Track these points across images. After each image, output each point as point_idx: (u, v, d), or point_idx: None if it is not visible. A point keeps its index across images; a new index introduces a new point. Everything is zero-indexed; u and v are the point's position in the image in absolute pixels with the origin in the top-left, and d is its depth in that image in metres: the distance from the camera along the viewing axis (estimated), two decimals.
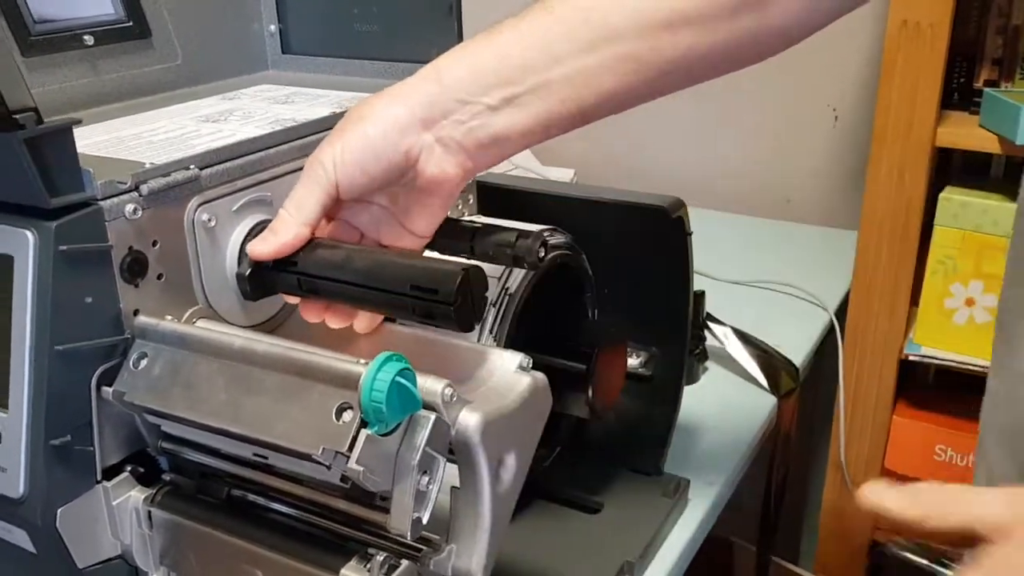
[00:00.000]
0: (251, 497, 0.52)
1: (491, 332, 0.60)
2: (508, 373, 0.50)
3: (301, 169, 0.57)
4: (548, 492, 0.71)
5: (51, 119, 0.44)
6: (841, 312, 1.06)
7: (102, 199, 0.47)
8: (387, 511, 0.45)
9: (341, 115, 0.61)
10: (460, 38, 0.70)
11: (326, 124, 0.60)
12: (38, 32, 0.64)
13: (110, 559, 0.52)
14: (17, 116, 0.42)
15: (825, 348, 1.04)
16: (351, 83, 0.74)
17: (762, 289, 1.12)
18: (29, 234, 0.45)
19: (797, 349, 0.97)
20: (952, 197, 0.98)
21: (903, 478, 1.06)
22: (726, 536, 1.28)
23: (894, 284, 1.01)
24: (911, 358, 1.03)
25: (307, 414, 0.43)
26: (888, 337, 1.03)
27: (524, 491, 0.49)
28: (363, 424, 0.42)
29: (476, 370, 0.50)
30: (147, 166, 0.49)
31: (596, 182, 1.12)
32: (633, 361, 0.72)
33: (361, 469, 0.41)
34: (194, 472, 0.53)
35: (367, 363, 0.42)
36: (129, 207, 0.48)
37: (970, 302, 1.00)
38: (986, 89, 0.97)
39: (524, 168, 1.37)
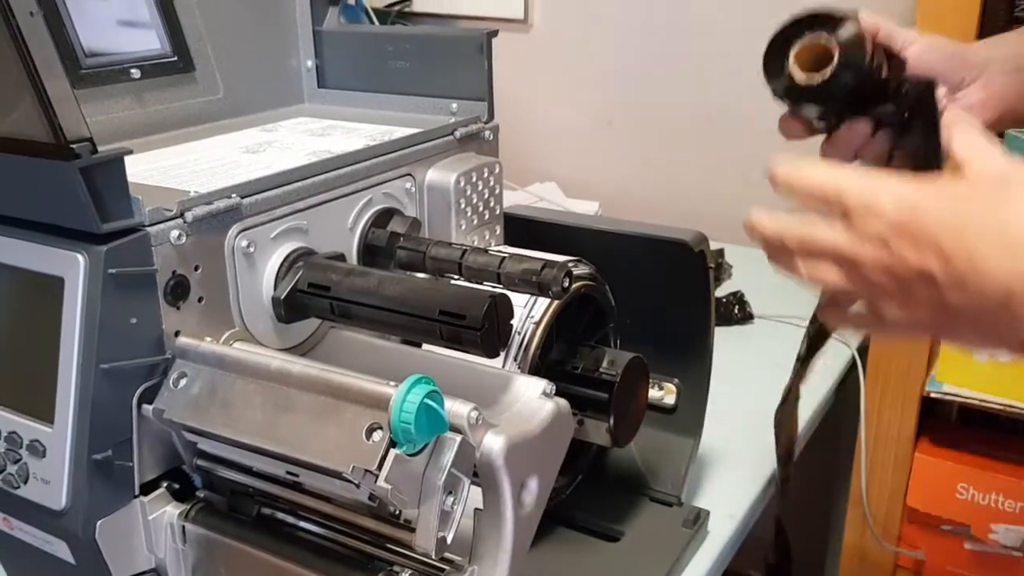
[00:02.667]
0: (280, 515, 0.54)
1: (515, 359, 0.62)
2: (532, 399, 0.51)
3: (337, 199, 0.60)
4: (569, 520, 0.72)
5: (104, 148, 0.46)
6: (863, 349, 1.06)
7: (149, 225, 0.49)
8: (412, 530, 0.46)
9: (375, 147, 0.64)
10: (490, 75, 0.73)
11: (360, 156, 0.62)
12: (88, 65, 0.67)
13: (144, 572, 0.54)
14: (74, 146, 0.45)
15: (847, 384, 1.05)
16: (384, 117, 0.76)
17: (784, 324, 1.12)
18: (80, 257, 0.48)
19: (818, 385, 0.97)
20: None
21: (925, 516, 1.06)
22: (746, 571, 1.28)
23: None
24: (933, 395, 1.03)
25: (339, 433, 0.45)
26: (910, 374, 1.03)
27: (545, 518, 0.50)
28: (392, 444, 0.43)
29: (501, 395, 0.51)
30: (191, 194, 0.52)
31: (622, 216, 1.14)
32: (655, 392, 0.73)
33: (389, 487, 0.43)
34: (226, 490, 0.55)
35: (397, 385, 0.44)
36: (174, 233, 0.50)
37: None
38: (1008, 131, 0.98)
39: (549, 200, 1.40)
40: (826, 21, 0.51)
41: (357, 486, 0.44)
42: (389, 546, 0.50)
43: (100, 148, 0.46)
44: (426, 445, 0.44)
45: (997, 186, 0.44)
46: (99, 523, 0.50)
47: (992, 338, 0.44)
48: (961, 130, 0.48)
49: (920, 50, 0.58)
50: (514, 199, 0.98)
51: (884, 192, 0.44)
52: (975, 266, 0.41)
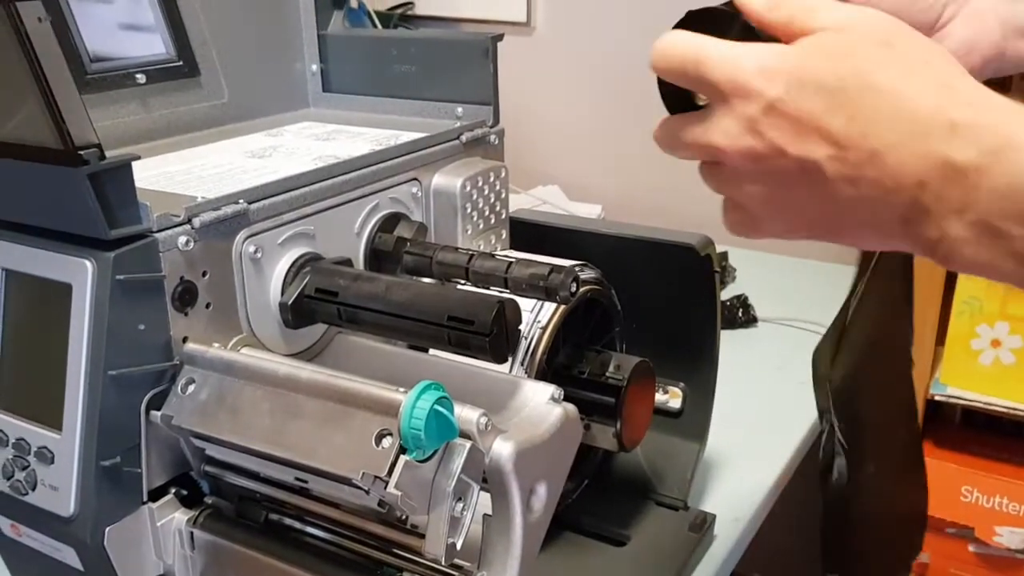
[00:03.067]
0: (288, 521, 0.54)
1: (522, 364, 0.62)
2: (540, 404, 0.51)
3: (343, 204, 0.60)
4: (575, 524, 0.72)
5: (111, 154, 0.46)
6: None
7: (157, 231, 0.49)
8: (421, 536, 0.46)
9: (381, 152, 0.64)
10: (495, 79, 0.73)
11: (367, 161, 0.62)
12: (94, 71, 0.67)
13: None
14: (82, 152, 0.45)
15: None
16: (389, 121, 0.76)
17: (788, 327, 1.12)
18: (88, 263, 0.48)
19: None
20: None
21: (929, 519, 1.07)
22: (751, 574, 1.28)
23: (920, 324, 1.02)
24: (937, 398, 1.03)
25: (348, 440, 0.45)
26: (914, 376, 1.04)
27: (551, 523, 0.50)
28: (402, 450, 0.43)
29: (509, 400, 0.51)
30: (199, 200, 0.52)
31: (624, 218, 1.14)
32: (661, 396, 0.73)
33: (399, 494, 0.43)
34: (234, 496, 0.55)
35: (407, 391, 0.44)
36: (182, 239, 0.50)
37: (996, 343, 1.00)
38: None
39: (552, 204, 1.40)
40: (709, 19, 0.41)
41: (367, 492, 0.44)
42: (398, 552, 0.50)
43: (107, 154, 0.46)
44: (436, 451, 0.44)
45: (883, 48, 0.34)
46: (107, 529, 0.50)
47: (889, 236, 0.36)
48: None
49: None
50: (516, 202, 0.98)
51: (749, 60, 0.35)
52: (877, 154, 0.33)
